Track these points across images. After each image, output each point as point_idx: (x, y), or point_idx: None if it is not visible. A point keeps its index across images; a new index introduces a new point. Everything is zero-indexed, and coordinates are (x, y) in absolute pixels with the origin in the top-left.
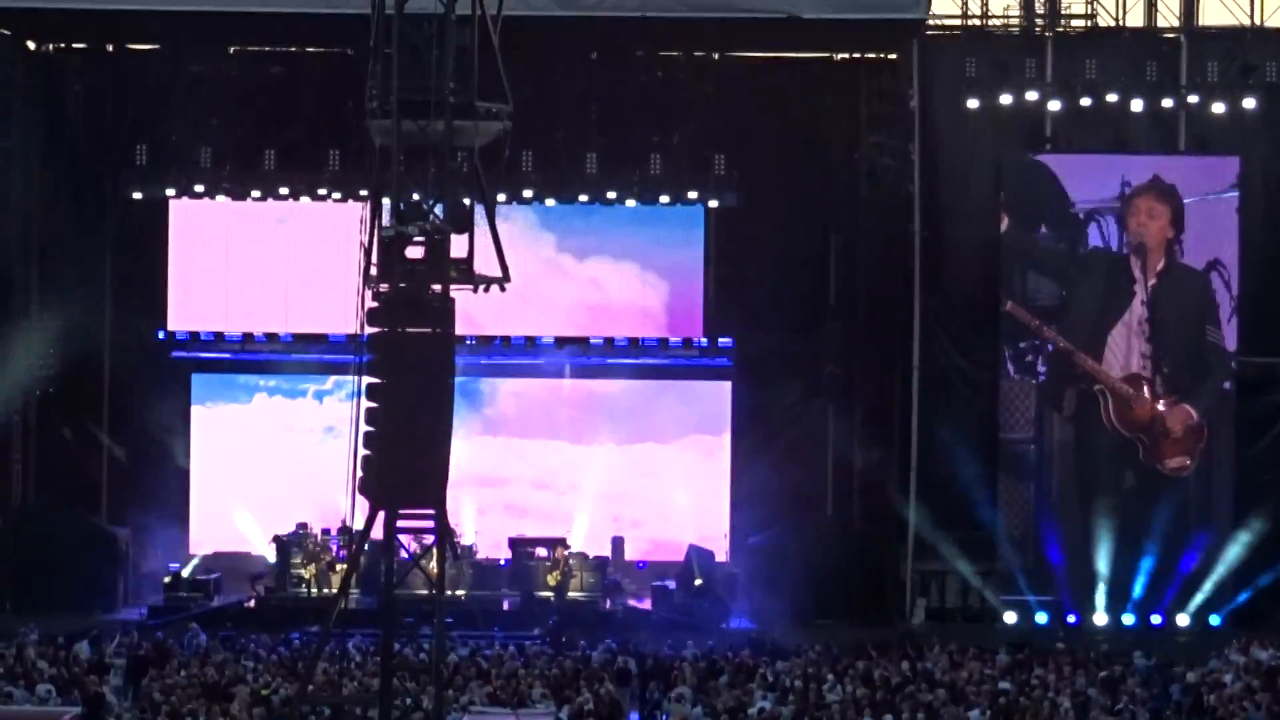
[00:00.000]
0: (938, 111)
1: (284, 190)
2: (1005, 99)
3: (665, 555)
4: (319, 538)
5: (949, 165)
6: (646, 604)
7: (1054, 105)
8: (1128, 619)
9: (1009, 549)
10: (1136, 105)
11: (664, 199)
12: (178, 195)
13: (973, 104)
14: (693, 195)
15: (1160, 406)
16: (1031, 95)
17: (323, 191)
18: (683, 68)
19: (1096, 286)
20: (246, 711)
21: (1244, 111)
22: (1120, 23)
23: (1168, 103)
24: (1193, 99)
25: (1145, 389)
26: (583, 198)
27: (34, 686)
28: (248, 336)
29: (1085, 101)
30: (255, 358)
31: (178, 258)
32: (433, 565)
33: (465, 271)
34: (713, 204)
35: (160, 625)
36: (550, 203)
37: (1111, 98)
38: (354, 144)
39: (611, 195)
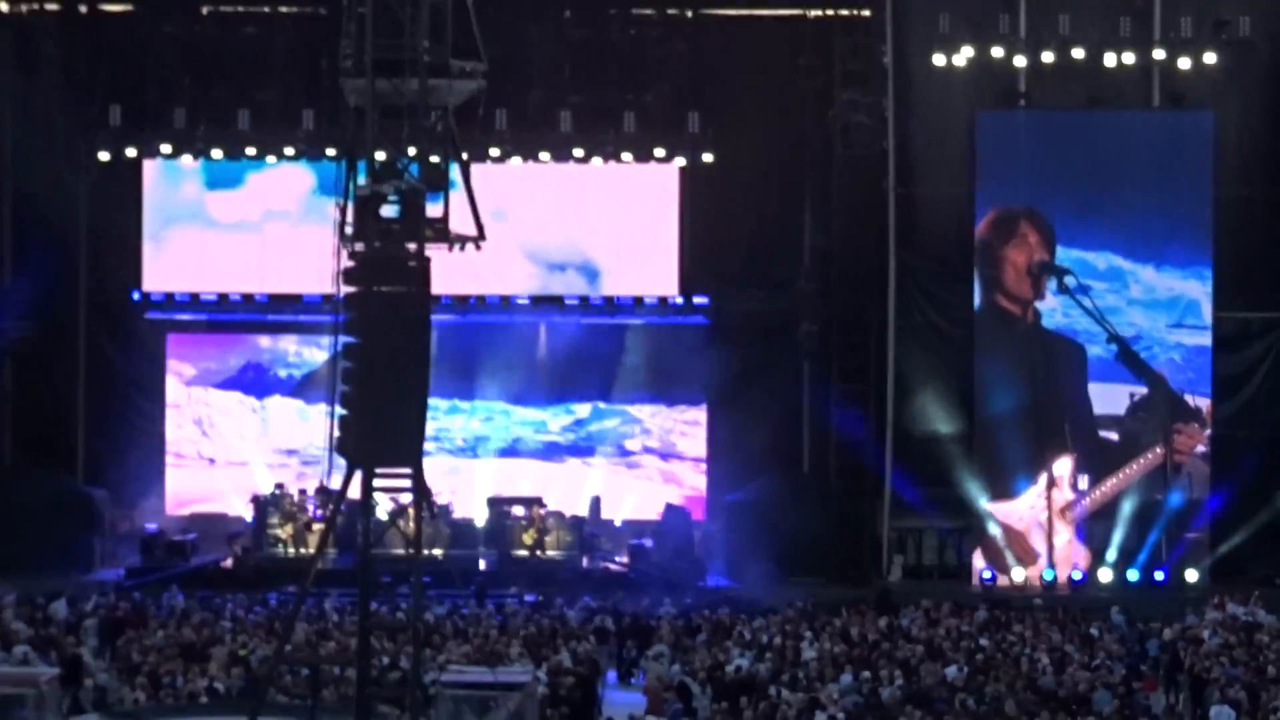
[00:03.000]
0: (911, 68)
1: (257, 150)
2: (979, 55)
3: (643, 514)
4: (296, 498)
5: (923, 122)
6: (624, 562)
7: (1028, 61)
8: (1105, 575)
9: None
10: (1110, 61)
11: (638, 157)
12: (152, 155)
13: (945, 60)
14: (666, 153)
15: None
16: (1004, 51)
17: (293, 151)
18: (656, 25)
19: None
20: (224, 671)
21: (1218, 66)
22: None
23: (1142, 57)
24: (1166, 54)
25: None
26: (557, 154)
27: (11, 648)
28: (223, 297)
29: (1059, 56)
30: (231, 318)
31: (152, 218)
32: (409, 524)
33: (440, 230)
34: (686, 162)
35: (137, 586)
36: (524, 160)
37: (1084, 53)
38: (328, 103)
39: (581, 153)
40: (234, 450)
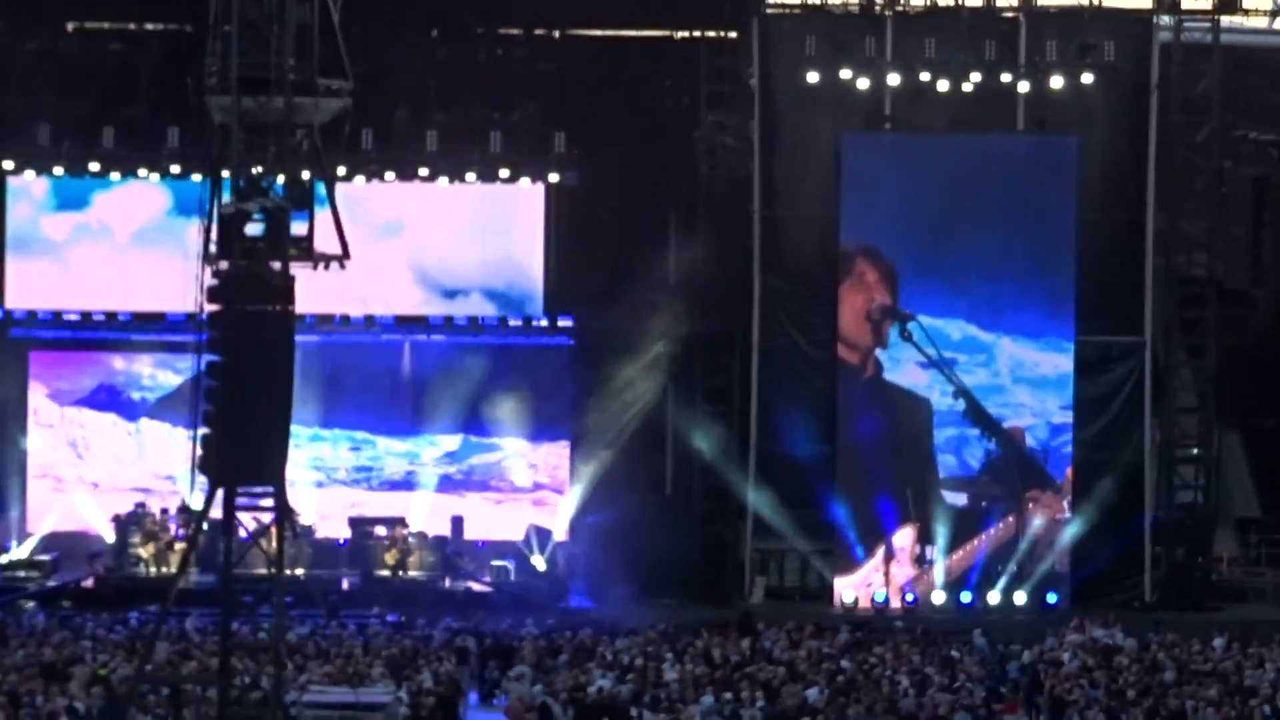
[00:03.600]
0: (777, 90)
1: (122, 167)
2: (845, 77)
3: (504, 534)
4: (158, 516)
5: (789, 144)
6: (487, 582)
7: (893, 83)
8: (965, 597)
9: (848, 528)
10: (975, 84)
11: (504, 175)
12: (15, 171)
13: (812, 82)
14: (532, 173)
15: None
16: (871, 74)
17: (157, 172)
18: (523, 45)
19: None
20: (85, 691)
21: (1082, 90)
22: (960, 2)
23: (1006, 80)
24: (1031, 79)
25: None
26: (422, 173)
27: None
28: (85, 315)
29: (924, 79)
30: (94, 335)
31: (14, 234)
32: (272, 544)
33: (305, 249)
34: (553, 181)
35: None
36: (390, 179)
37: (950, 77)
38: (193, 121)
39: (447, 172)
40: (111, 473)
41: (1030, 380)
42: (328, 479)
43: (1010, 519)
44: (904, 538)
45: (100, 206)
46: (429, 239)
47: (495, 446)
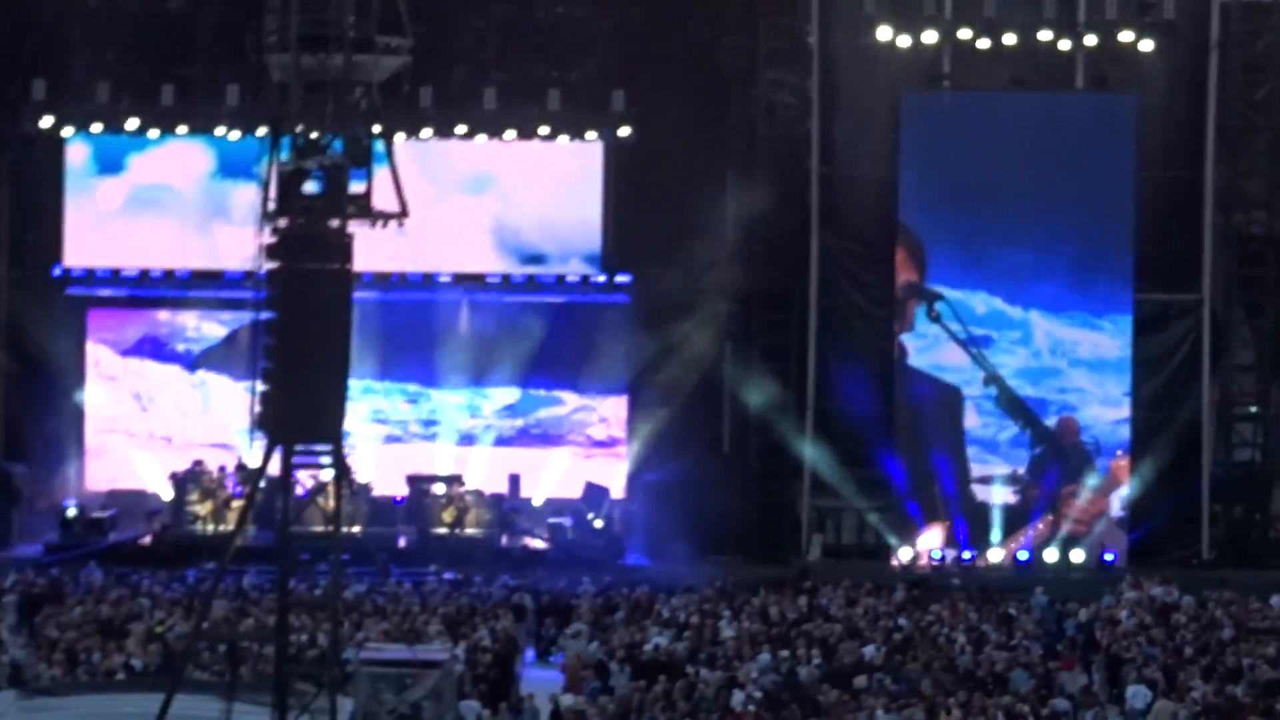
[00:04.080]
0: (836, 48)
1: (183, 125)
2: (904, 36)
3: (562, 492)
4: (215, 474)
5: (847, 103)
6: (544, 538)
7: (952, 43)
8: (1022, 555)
9: (905, 486)
10: (1034, 43)
11: (562, 135)
12: (75, 130)
13: (871, 41)
14: (591, 132)
15: None
16: (930, 33)
17: (214, 130)
18: (581, 3)
19: None
20: (142, 648)
21: (1141, 49)
22: None
23: (1066, 39)
24: (1090, 37)
25: None
26: (480, 135)
27: None
28: (144, 273)
29: (984, 38)
30: (152, 294)
31: (74, 193)
32: (329, 501)
33: (363, 207)
34: (610, 140)
35: (55, 562)
36: (448, 138)
37: (1010, 36)
38: (253, 78)
39: (510, 131)
40: (181, 427)
41: (1089, 364)
42: (387, 436)
43: (1050, 518)
44: (931, 539)
45: (141, 168)
46: (499, 196)
47: (554, 400)
